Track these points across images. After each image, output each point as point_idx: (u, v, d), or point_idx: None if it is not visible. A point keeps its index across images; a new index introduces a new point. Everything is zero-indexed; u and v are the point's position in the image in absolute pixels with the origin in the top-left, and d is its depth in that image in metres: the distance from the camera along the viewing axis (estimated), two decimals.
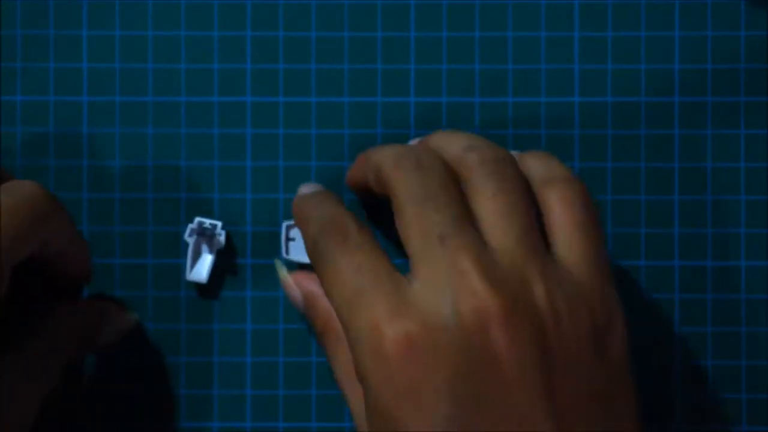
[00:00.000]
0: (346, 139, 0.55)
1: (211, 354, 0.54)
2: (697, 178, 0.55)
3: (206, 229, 0.53)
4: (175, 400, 0.54)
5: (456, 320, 0.37)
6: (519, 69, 0.55)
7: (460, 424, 0.37)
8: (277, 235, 0.55)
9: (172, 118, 0.55)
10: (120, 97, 0.55)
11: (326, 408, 0.54)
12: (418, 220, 0.41)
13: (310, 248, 0.44)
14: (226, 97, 0.55)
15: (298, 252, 0.50)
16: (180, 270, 0.55)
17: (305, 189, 0.50)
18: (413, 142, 0.49)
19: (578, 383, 0.38)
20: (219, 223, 0.53)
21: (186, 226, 0.54)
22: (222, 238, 0.53)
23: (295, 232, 0.50)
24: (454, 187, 0.42)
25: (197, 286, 0.55)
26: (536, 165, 0.44)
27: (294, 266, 0.53)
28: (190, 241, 0.53)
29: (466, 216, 0.40)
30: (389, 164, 0.44)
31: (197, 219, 0.54)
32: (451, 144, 0.44)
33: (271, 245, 0.55)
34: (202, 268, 0.53)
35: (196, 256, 0.54)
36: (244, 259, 0.54)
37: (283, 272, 0.50)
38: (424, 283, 0.39)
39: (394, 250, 0.54)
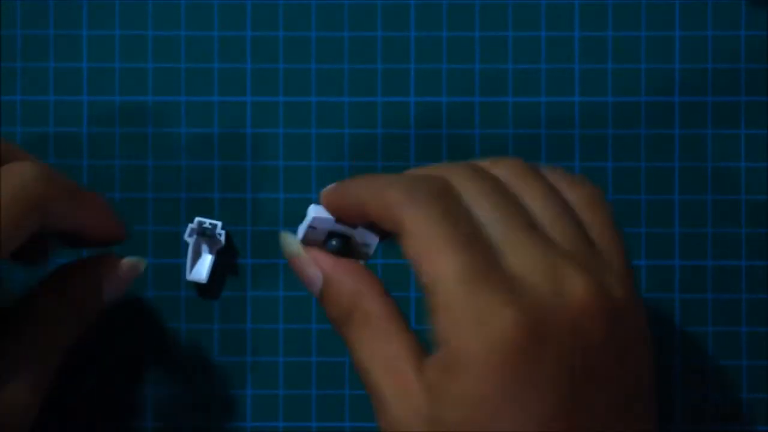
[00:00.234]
0: (346, 139, 0.55)
1: (211, 354, 0.54)
2: (697, 178, 0.55)
3: (206, 229, 0.53)
4: (176, 400, 0.54)
5: (561, 302, 0.37)
6: (519, 69, 0.55)
7: (567, 422, 0.37)
8: (277, 234, 0.55)
9: (172, 117, 0.55)
10: (120, 97, 0.55)
11: (326, 408, 0.54)
12: (499, 209, 0.40)
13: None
14: (226, 97, 0.55)
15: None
16: (180, 270, 0.55)
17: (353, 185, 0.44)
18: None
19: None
20: (219, 223, 0.53)
21: (186, 226, 0.54)
22: (222, 238, 0.53)
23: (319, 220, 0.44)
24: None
25: (197, 286, 0.55)
26: (545, 171, 0.44)
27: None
28: (190, 241, 0.53)
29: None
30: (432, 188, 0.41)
31: (197, 219, 0.54)
32: (464, 167, 0.43)
33: (271, 245, 0.55)
34: (202, 268, 0.53)
35: (196, 256, 0.54)
36: (244, 259, 0.54)
37: (294, 247, 0.44)
38: (522, 270, 0.38)
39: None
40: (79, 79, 0.55)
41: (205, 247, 0.53)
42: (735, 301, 0.55)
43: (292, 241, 0.44)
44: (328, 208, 0.43)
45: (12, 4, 0.55)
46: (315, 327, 0.54)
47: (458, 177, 0.41)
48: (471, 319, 0.37)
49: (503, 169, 0.42)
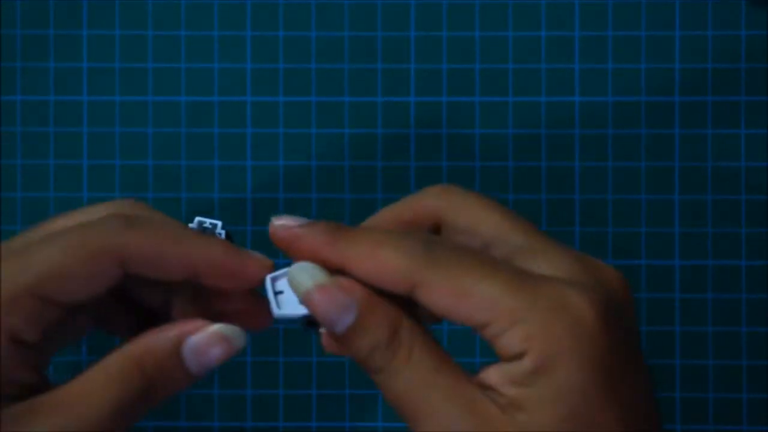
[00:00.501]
0: (346, 139, 0.55)
1: None
2: (697, 178, 0.55)
3: (206, 228, 0.53)
4: (176, 400, 0.54)
5: (606, 290, 0.37)
6: (519, 69, 0.55)
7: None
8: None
9: (172, 118, 0.55)
10: (120, 97, 0.55)
11: (326, 408, 0.54)
12: (510, 218, 0.40)
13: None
14: (226, 97, 0.55)
15: (290, 305, 0.39)
16: None
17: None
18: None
19: None
20: (219, 223, 0.53)
21: (186, 225, 0.54)
22: (222, 238, 0.53)
23: (283, 284, 0.39)
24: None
25: None
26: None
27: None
28: None
29: None
30: (418, 260, 0.40)
31: (197, 219, 0.54)
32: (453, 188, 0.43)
33: (271, 245, 0.55)
34: None
35: None
36: None
37: (320, 276, 0.38)
38: (559, 268, 0.38)
39: None
40: (79, 79, 0.55)
41: None
42: (735, 301, 0.54)
43: (315, 270, 0.38)
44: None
45: (12, 4, 0.55)
46: None
47: (452, 197, 0.40)
48: (550, 313, 0.35)
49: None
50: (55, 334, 0.39)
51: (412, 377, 0.37)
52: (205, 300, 0.40)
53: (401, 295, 0.37)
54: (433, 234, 0.39)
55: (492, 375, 0.36)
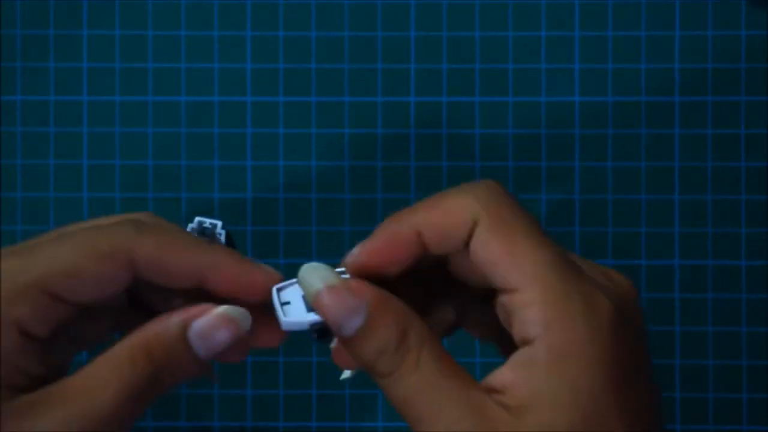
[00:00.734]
0: (346, 139, 0.55)
1: None
2: (697, 178, 0.55)
3: (206, 228, 0.53)
4: (176, 400, 0.54)
5: (620, 292, 0.37)
6: (519, 69, 0.55)
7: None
8: (277, 234, 0.55)
9: (172, 118, 0.55)
10: (120, 97, 0.55)
11: (326, 408, 0.54)
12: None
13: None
14: (226, 97, 0.55)
15: (298, 313, 0.38)
16: None
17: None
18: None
19: None
20: (219, 223, 0.53)
21: (186, 225, 0.54)
22: (222, 238, 0.53)
23: (290, 294, 0.39)
24: None
25: None
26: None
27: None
28: None
29: None
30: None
31: (197, 219, 0.54)
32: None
33: (271, 245, 0.55)
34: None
35: None
36: None
37: (331, 277, 0.37)
38: (588, 272, 0.38)
39: None
40: (79, 79, 0.55)
41: None
42: (735, 301, 0.55)
43: (325, 270, 0.38)
44: (373, 256, 0.38)
45: (12, 4, 0.55)
46: None
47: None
48: (578, 305, 0.35)
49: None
50: (71, 333, 0.39)
51: (420, 381, 0.36)
52: None
53: (459, 249, 0.37)
54: (500, 185, 0.39)
55: (501, 376, 0.36)
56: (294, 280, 0.38)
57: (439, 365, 0.36)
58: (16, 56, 0.55)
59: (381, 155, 0.55)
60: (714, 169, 0.55)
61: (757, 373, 0.54)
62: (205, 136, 0.55)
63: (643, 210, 0.55)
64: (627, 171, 0.55)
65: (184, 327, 0.37)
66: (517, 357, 0.35)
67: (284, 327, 0.38)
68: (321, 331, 0.38)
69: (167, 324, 0.37)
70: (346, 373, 0.41)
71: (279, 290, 0.38)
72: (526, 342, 0.35)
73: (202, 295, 0.39)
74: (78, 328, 0.40)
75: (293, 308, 0.38)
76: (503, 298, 0.36)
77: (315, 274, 0.37)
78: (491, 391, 0.36)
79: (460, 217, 0.37)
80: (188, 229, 0.53)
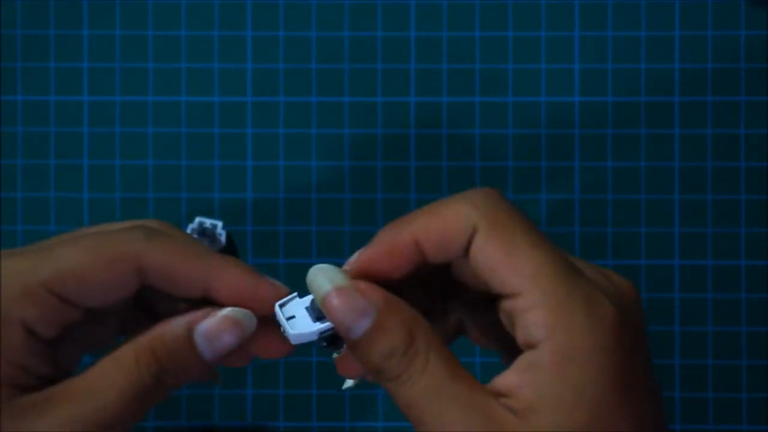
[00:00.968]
0: (346, 139, 0.55)
1: None
2: (697, 178, 0.55)
3: (206, 229, 0.53)
4: (177, 400, 0.54)
5: (621, 294, 0.37)
6: (519, 69, 0.55)
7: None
8: (277, 234, 0.55)
9: (173, 118, 0.55)
10: (120, 97, 0.55)
11: (326, 408, 0.54)
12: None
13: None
14: (226, 97, 0.55)
15: (303, 325, 0.38)
16: None
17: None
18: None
19: None
20: (219, 223, 0.53)
21: (186, 225, 0.54)
22: (222, 238, 0.53)
23: (293, 308, 0.38)
24: None
25: None
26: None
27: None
28: None
29: None
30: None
31: (197, 219, 0.54)
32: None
33: (271, 245, 0.55)
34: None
35: None
36: (244, 259, 0.54)
37: (340, 278, 0.37)
38: (588, 274, 0.38)
39: None
40: (79, 79, 0.55)
41: None
42: (735, 301, 0.55)
43: (335, 272, 0.37)
44: (371, 264, 0.38)
45: (12, 4, 0.55)
46: None
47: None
48: (580, 307, 0.35)
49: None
50: (77, 335, 0.39)
51: (428, 384, 0.36)
52: None
53: (458, 256, 0.37)
54: (498, 192, 0.38)
55: (506, 379, 0.36)
56: (294, 294, 0.38)
57: (448, 368, 0.36)
58: (17, 56, 0.55)
59: (381, 155, 0.55)
60: (714, 169, 0.55)
61: (757, 373, 0.54)
62: (205, 136, 0.55)
63: (643, 210, 0.55)
64: (627, 171, 0.55)
65: (190, 329, 0.37)
66: (521, 361, 0.35)
67: (293, 341, 0.38)
68: (330, 339, 0.38)
69: (172, 326, 0.38)
70: (348, 383, 0.41)
71: (281, 306, 0.38)
72: (530, 346, 0.35)
73: (209, 303, 0.39)
74: (85, 331, 0.40)
75: (299, 321, 0.38)
76: (505, 303, 0.36)
77: (323, 275, 0.37)
78: (497, 394, 0.36)
79: (458, 225, 0.37)
80: (188, 230, 0.53)
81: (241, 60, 0.55)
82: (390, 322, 0.37)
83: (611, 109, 0.55)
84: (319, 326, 0.37)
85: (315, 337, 0.38)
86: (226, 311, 0.38)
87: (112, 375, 0.37)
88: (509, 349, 0.38)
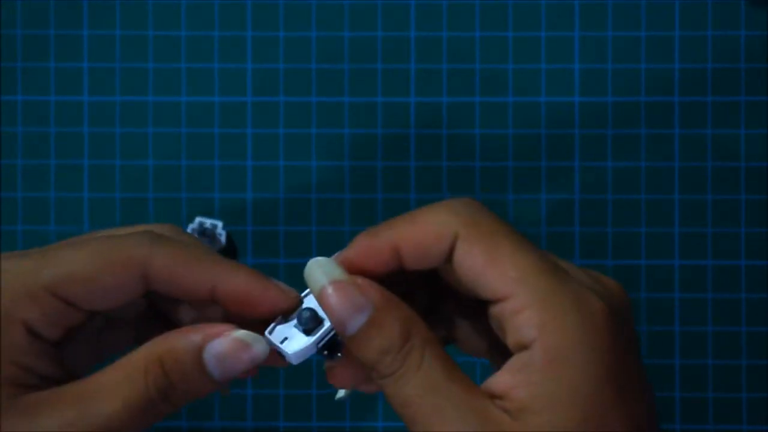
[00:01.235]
0: (346, 139, 0.55)
1: None
2: (697, 178, 0.55)
3: (206, 228, 0.53)
4: None
5: (611, 295, 0.37)
6: (519, 69, 0.55)
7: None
8: (277, 234, 0.55)
9: (173, 118, 0.55)
10: (120, 97, 0.55)
11: (326, 408, 0.54)
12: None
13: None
14: (226, 97, 0.55)
15: (298, 341, 0.38)
16: None
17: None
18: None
19: None
20: (219, 223, 0.54)
21: (186, 225, 0.54)
22: (222, 238, 0.53)
23: (282, 331, 0.38)
24: None
25: None
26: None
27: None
28: None
29: None
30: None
31: (198, 219, 0.54)
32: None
33: (271, 245, 0.55)
34: None
35: None
36: (244, 259, 0.54)
37: (337, 272, 0.37)
38: (573, 275, 0.38)
39: None
40: (79, 79, 0.55)
41: None
42: (735, 301, 0.55)
43: (331, 266, 0.37)
44: (353, 265, 0.38)
45: (12, 4, 0.55)
46: None
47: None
48: (570, 305, 0.35)
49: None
50: (89, 340, 0.39)
51: (423, 383, 0.36)
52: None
53: (438, 264, 0.37)
54: (477, 201, 0.38)
55: (500, 380, 0.36)
56: (279, 318, 0.38)
57: (443, 367, 0.36)
58: (17, 56, 0.55)
59: (381, 155, 0.55)
60: (714, 169, 0.55)
61: (756, 373, 0.54)
62: (205, 136, 0.55)
63: (643, 210, 0.55)
64: (627, 171, 0.55)
65: (201, 346, 0.37)
66: (514, 361, 0.35)
67: (294, 361, 0.38)
68: (329, 345, 0.38)
69: (184, 340, 0.37)
70: (341, 393, 0.41)
71: (270, 333, 0.38)
72: (522, 347, 0.35)
73: (221, 312, 0.39)
74: (97, 336, 0.40)
75: (293, 340, 0.38)
76: (494, 308, 0.36)
77: (320, 269, 0.37)
78: (491, 396, 0.36)
79: (439, 232, 0.37)
80: (189, 230, 0.53)
81: (241, 60, 0.55)
82: (386, 318, 0.36)
83: (611, 109, 0.55)
84: (314, 338, 0.37)
85: (314, 350, 0.38)
86: (240, 333, 0.37)
87: (118, 383, 0.36)
88: (500, 355, 0.38)
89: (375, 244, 0.37)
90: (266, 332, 0.38)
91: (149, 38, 0.55)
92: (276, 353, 0.38)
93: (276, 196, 0.55)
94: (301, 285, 0.38)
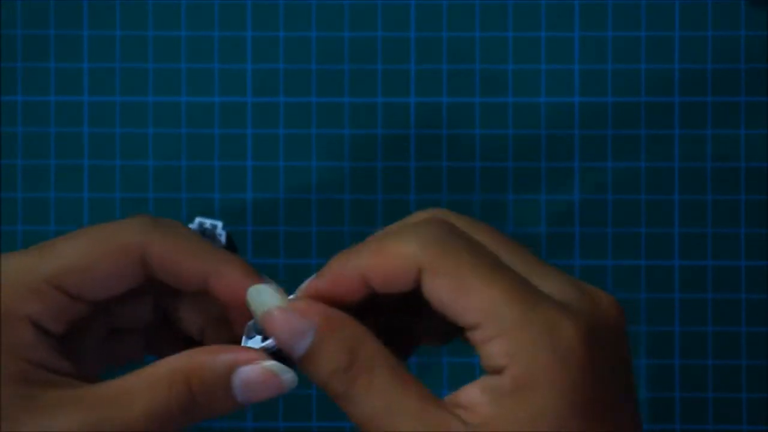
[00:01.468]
0: (346, 139, 0.55)
1: None
2: (697, 178, 0.55)
3: (206, 229, 0.53)
4: None
5: (599, 313, 0.37)
6: (519, 69, 0.55)
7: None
8: (277, 234, 0.55)
9: (173, 118, 0.55)
10: (120, 97, 0.55)
11: (326, 408, 0.54)
12: (504, 242, 0.39)
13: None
14: (226, 97, 0.55)
15: (254, 342, 0.39)
16: None
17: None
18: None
19: None
20: (219, 223, 0.53)
21: (186, 226, 0.54)
22: (222, 238, 0.53)
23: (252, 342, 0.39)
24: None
25: None
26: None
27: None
28: None
29: None
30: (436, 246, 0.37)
31: (197, 219, 0.54)
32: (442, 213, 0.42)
33: (271, 245, 0.55)
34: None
35: None
36: (244, 259, 0.54)
37: (277, 299, 0.38)
38: (551, 290, 0.38)
39: None
40: (79, 79, 0.55)
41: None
42: (735, 301, 0.55)
43: (272, 292, 0.38)
44: (321, 294, 0.38)
45: (12, 4, 0.55)
46: None
47: (448, 217, 0.39)
48: (539, 333, 0.35)
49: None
50: (99, 348, 0.39)
51: (375, 400, 0.36)
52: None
53: (410, 290, 0.37)
54: (449, 223, 0.38)
55: (469, 393, 0.36)
56: (245, 335, 0.38)
57: (394, 383, 0.36)
58: (17, 56, 0.55)
59: (381, 156, 0.55)
60: (714, 169, 0.55)
61: (756, 373, 0.54)
62: (205, 136, 0.55)
63: (643, 210, 0.55)
64: (627, 171, 0.55)
65: (231, 369, 0.37)
66: (486, 380, 0.35)
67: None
68: (278, 356, 0.38)
69: (214, 361, 0.37)
70: None
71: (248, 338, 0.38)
72: (494, 371, 0.35)
73: (209, 300, 0.39)
74: (107, 346, 0.40)
75: (252, 342, 0.38)
76: (466, 334, 0.36)
77: (261, 296, 0.38)
78: (457, 405, 0.36)
79: (403, 265, 0.36)
80: None
81: (241, 60, 0.55)
82: (329, 341, 0.36)
83: (611, 110, 0.55)
84: (264, 344, 0.38)
85: (246, 335, 0.38)
86: (271, 364, 0.37)
87: (141, 390, 0.36)
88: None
89: (344, 274, 0.37)
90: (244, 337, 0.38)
91: (149, 38, 0.55)
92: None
93: (276, 196, 0.55)
94: (299, 285, 0.39)
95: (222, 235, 0.54)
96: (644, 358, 0.55)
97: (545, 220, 0.55)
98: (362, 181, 0.55)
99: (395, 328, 0.40)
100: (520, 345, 0.35)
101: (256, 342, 0.38)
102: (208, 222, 0.54)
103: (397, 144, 0.55)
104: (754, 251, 0.55)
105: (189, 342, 0.41)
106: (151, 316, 0.41)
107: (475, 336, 0.35)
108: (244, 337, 0.38)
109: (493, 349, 0.35)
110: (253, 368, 0.37)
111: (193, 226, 0.53)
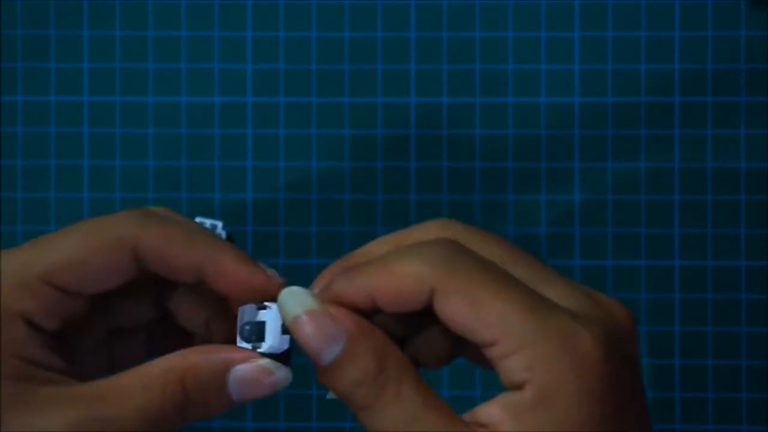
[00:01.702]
0: (346, 139, 0.55)
1: None
2: (697, 178, 0.55)
3: (206, 229, 0.53)
4: None
5: (612, 321, 0.37)
6: (519, 69, 0.55)
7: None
8: (277, 234, 0.55)
9: (173, 118, 0.55)
10: (120, 97, 0.55)
11: (326, 408, 0.54)
12: (511, 251, 0.39)
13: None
14: (226, 97, 0.55)
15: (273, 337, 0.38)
16: None
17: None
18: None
19: None
20: (219, 223, 0.53)
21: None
22: (222, 238, 0.53)
23: (267, 315, 0.38)
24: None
25: None
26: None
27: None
28: None
29: None
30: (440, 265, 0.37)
31: (197, 219, 0.53)
32: (444, 222, 0.42)
33: (271, 245, 0.55)
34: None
35: None
36: None
37: (310, 301, 0.37)
38: (561, 300, 0.37)
39: None
40: (79, 79, 0.55)
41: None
42: (735, 301, 0.55)
43: (304, 294, 0.37)
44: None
45: (12, 4, 0.55)
46: None
47: (452, 232, 0.39)
48: (556, 345, 0.35)
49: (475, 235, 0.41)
50: (100, 349, 0.39)
51: (401, 414, 0.36)
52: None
53: (419, 309, 0.36)
54: (456, 242, 0.38)
55: (489, 410, 0.35)
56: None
57: (420, 397, 0.36)
58: (17, 56, 0.55)
59: (381, 156, 0.55)
60: (714, 169, 0.55)
61: (756, 373, 0.54)
62: (205, 136, 0.55)
63: (643, 210, 0.55)
64: (627, 171, 0.55)
65: (226, 368, 0.37)
66: (506, 396, 0.35)
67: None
68: (254, 332, 0.38)
69: (209, 359, 0.37)
70: (332, 393, 0.41)
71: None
72: (515, 387, 0.35)
73: (206, 290, 0.39)
74: (109, 346, 0.40)
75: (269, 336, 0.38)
76: (484, 350, 0.36)
77: (294, 299, 0.37)
78: (477, 424, 0.35)
79: (413, 287, 0.36)
80: None
81: (241, 60, 0.55)
82: (360, 348, 0.36)
83: (611, 110, 0.55)
84: (261, 350, 0.37)
85: (239, 336, 0.38)
86: (266, 362, 0.37)
87: (135, 389, 0.36)
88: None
89: (349, 291, 0.37)
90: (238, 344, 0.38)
91: (149, 38, 0.55)
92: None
93: (276, 196, 0.55)
94: (300, 285, 0.38)
95: (222, 235, 0.54)
96: (644, 358, 0.55)
97: (545, 220, 0.55)
98: (362, 181, 0.55)
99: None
100: (538, 358, 0.35)
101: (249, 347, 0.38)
102: (208, 222, 0.53)
103: (397, 144, 0.55)
104: (754, 251, 0.55)
105: (192, 342, 0.41)
106: (152, 314, 0.41)
107: (493, 352, 0.35)
108: (238, 337, 0.38)
109: (512, 364, 0.35)
110: (248, 366, 0.37)
111: None
